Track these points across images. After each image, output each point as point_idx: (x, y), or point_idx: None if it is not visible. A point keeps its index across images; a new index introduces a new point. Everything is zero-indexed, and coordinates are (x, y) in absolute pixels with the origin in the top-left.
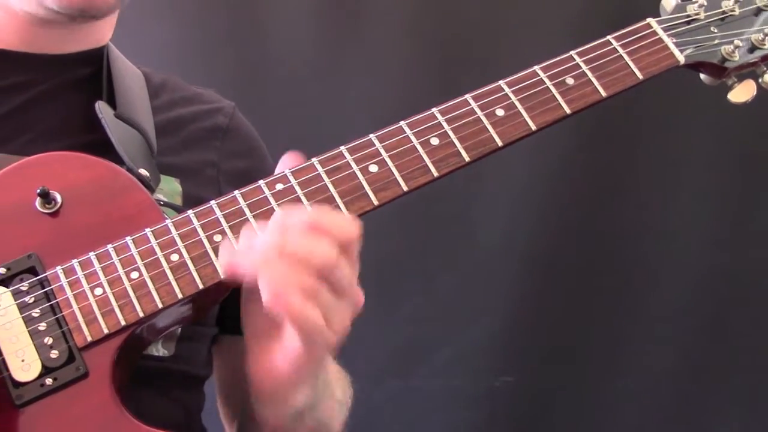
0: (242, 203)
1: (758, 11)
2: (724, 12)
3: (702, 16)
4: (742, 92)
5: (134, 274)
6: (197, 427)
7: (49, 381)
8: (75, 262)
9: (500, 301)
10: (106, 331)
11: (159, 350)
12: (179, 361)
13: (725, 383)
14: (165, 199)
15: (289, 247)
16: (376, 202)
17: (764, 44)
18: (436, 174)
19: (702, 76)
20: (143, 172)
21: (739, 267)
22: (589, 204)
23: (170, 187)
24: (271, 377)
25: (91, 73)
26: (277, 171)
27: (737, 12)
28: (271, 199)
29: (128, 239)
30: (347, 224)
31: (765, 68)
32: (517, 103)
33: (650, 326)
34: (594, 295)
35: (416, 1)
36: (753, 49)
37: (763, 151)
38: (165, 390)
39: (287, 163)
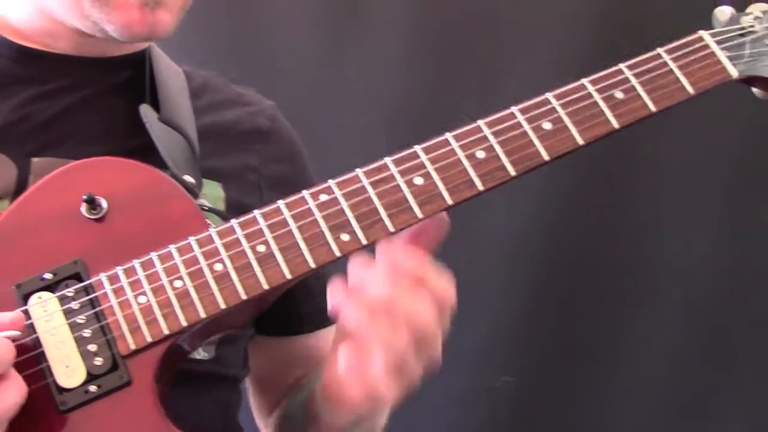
0: (286, 213)
1: None
2: None
3: (757, 28)
4: None
5: (178, 283)
6: (234, 426)
7: (93, 388)
8: (119, 270)
9: (500, 301)
10: (149, 339)
11: (199, 353)
12: (219, 363)
13: (725, 383)
14: (209, 205)
15: (397, 304)
16: (420, 216)
17: None
18: (481, 188)
19: (755, 90)
20: (188, 178)
21: (739, 267)
22: (590, 204)
23: (213, 192)
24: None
25: (134, 76)
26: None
27: None
28: (315, 210)
29: (172, 247)
30: (449, 287)
31: None
32: (565, 117)
33: (650, 326)
34: (594, 295)
35: (417, 1)
36: None
37: (764, 150)
38: (204, 392)
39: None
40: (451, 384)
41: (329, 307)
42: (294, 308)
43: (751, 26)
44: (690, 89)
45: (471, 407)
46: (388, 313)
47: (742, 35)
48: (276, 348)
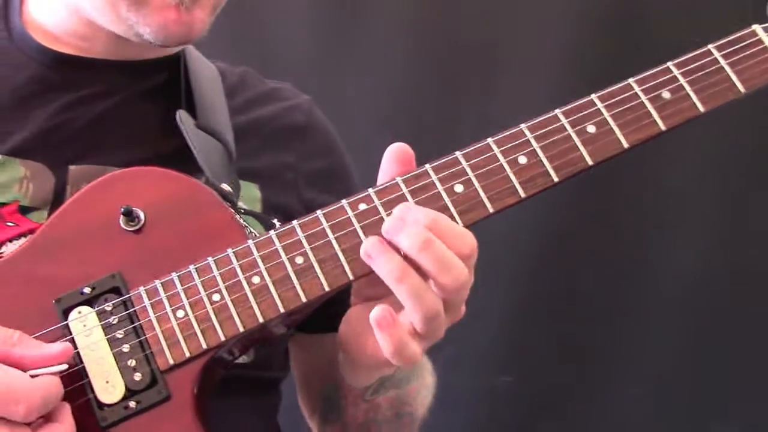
0: (324, 224)
1: None
2: None
3: None
4: None
5: (216, 297)
6: (274, 428)
7: (132, 404)
8: (158, 283)
9: (500, 301)
10: (188, 354)
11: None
12: (258, 367)
13: (725, 383)
14: (246, 207)
15: (428, 258)
16: (461, 224)
17: None
18: (523, 195)
19: None
20: (226, 187)
21: (739, 267)
22: (590, 204)
23: (249, 194)
24: (374, 356)
25: (168, 79)
26: (382, 166)
27: None
28: (354, 221)
29: (210, 260)
30: (471, 237)
31: None
32: (610, 120)
33: (650, 326)
34: (594, 294)
35: (417, 1)
36: None
37: (764, 150)
38: (244, 397)
39: (394, 158)
40: (451, 384)
41: (362, 254)
42: (335, 305)
43: None
44: (741, 88)
45: (471, 407)
46: (420, 267)
47: None
48: (319, 345)
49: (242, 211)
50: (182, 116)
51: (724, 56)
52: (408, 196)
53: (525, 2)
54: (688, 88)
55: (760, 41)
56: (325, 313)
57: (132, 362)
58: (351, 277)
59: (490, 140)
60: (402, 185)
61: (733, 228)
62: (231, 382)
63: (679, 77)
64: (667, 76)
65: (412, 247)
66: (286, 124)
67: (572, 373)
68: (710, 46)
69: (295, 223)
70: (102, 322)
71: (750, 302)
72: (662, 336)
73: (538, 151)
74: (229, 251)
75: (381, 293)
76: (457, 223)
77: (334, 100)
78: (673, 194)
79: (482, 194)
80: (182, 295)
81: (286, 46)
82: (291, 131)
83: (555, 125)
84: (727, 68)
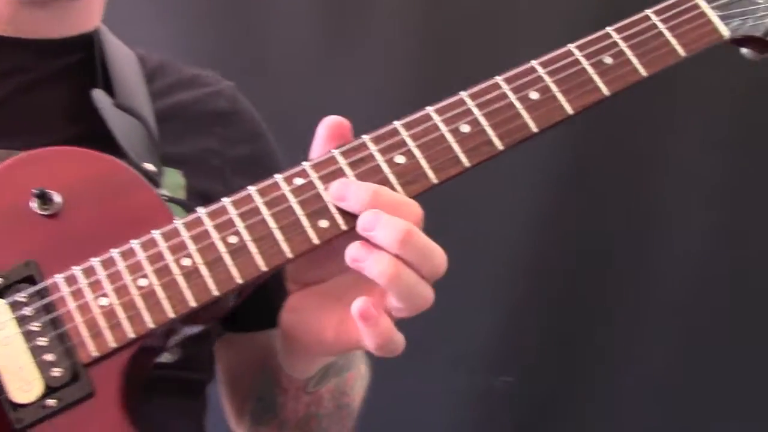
0: (258, 201)
1: None
2: None
3: None
4: None
5: (143, 282)
6: None
7: (51, 402)
8: (77, 270)
9: (500, 301)
10: (113, 345)
11: (164, 356)
12: (184, 366)
13: (725, 383)
14: (169, 194)
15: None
16: None
17: None
18: (467, 164)
19: (743, 50)
20: (148, 166)
21: (740, 267)
22: (589, 203)
23: (173, 180)
24: (325, 341)
25: (83, 59)
26: (315, 141)
27: None
28: (290, 196)
29: (134, 243)
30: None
31: None
32: (553, 86)
33: (650, 326)
34: (594, 294)
35: (417, 1)
36: None
37: (764, 150)
38: (170, 399)
39: (328, 133)
40: (451, 384)
41: (348, 261)
42: (268, 300)
43: None
44: (681, 51)
45: (471, 407)
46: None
47: None
48: (250, 344)
49: (165, 198)
50: (98, 95)
51: (663, 21)
52: (346, 169)
53: (525, 2)
54: (629, 52)
55: (697, 6)
56: (257, 310)
57: (50, 357)
58: (290, 256)
59: (429, 109)
60: (339, 158)
61: (734, 228)
62: (156, 383)
63: (620, 42)
64: (608, 41)
65: (393, 242)
66: (210, 109)
67: (572, 373)
68: (648, 12)
69: (226, 200)
70: (15, 315)
71: (750, 302)
72: (662, 336)
73: (481, 119)
74: (155, 233)
75: (322, 275)
76: None
77: (334, 100)
78: (673, 194)
79: (425, 165)
80: (105, 281)
81: (286, 46)
82: (214, 116)
83: (496, 92)
84: (667, 33)
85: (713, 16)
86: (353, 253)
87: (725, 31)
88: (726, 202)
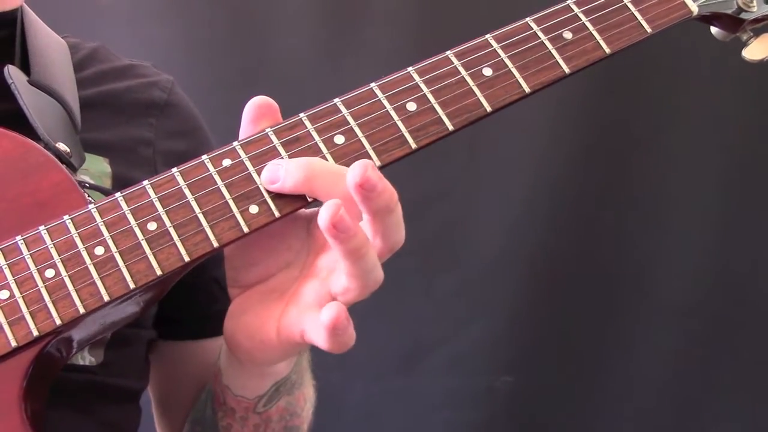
0: (181, 183)
1: None
2: None
3: None
4: (759, 48)
5: (50, 273)
6: None
7: None
8: None
9: (500, 301)
10: (13, 344)
11: (84, 358)
12: (109, 370)
13: (725, 383)
14: (91, 181)
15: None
16: None
17: None
18: (414, 146)
19: (714, 30)
20: (62, 146)
21: (739, 267)
22: (589, 204)
23: (98, 168)
24: (268, 341)
25: (1, 37)
26: (243, 117)
27: None
28: (217, 178)
29: (42, 229)
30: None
31: None
32: (508, 61)
33: (650, 326)
34: (594, 294)
35: (417, 1)
36: None
37: (764, 150)
38: (92, 407)
39: (256, 114)
40: (451, 384)
41: (324, 227)
42: (211, 305)
43: None
44: (647, 27)
45: (471, 407)
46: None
47: None
48: (189, 356)
49: (87, 185)
50: (11, 71)
51: None
52: (280, 149)
53: (522, 6)
54: (591, 27)
55: None
56: (198, 316)
57: None
58: (216, 244)
59: (373, 85)
60: (272, 137)
61: (733, 228)
62: (76, 390)
63: (581, 16)
64: (568, 15)
65: (380, 210)
66: (144, 98)
67: (572, 373)
68: None
69: (146, 183)
70: None
71: (750, 302)
72: (662, 336)
73: (429, 96)
74: (66, 218)
75: (262, 275)
76: None
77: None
78: (673, 194)
79: (367, 145)
80: (7, 272)
81: (286, 46)
82: (148, 107)
83: (447, 68)
84: (632, 7)
85: None
86: (332, 219)
87: (693, 7)
88: (728, 203)
